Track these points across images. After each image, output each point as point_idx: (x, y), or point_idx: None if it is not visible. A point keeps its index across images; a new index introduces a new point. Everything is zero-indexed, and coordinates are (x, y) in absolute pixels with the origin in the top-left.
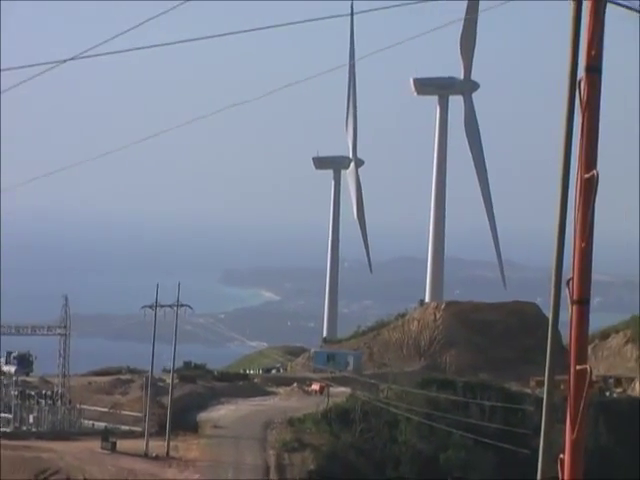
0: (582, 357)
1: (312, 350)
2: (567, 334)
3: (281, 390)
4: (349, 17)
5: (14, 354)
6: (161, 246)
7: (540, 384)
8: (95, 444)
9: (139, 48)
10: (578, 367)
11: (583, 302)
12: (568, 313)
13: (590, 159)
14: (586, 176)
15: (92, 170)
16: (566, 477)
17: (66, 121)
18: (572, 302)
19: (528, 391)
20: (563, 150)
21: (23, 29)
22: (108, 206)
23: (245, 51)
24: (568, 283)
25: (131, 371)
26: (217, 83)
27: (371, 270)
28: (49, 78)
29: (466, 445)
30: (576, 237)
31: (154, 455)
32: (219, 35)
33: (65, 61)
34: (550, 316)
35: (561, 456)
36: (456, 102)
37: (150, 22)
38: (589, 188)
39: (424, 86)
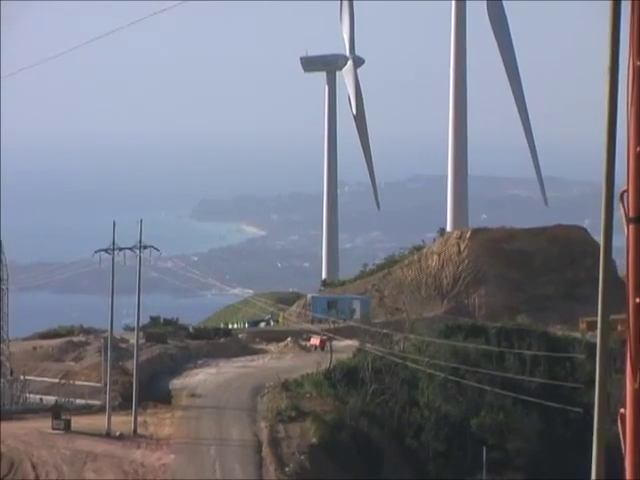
0: None
1: (309, 296)
2: (624, 263)
3: (272, 347)
4: None
5: None
6: (119, 175)
7: (591, 326)
8: (44, 423)
9: None
10: (638, 300)
11: None
12: (624, 236)
13: None
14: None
15: (33, 80)
16: (628, 435)
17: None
18: (628, 221)
19: (577, 335)
20: (610, 34)
21: None
22: (54, 124)
23: None
24: (622, 197)
25: (85, 331)
26: None
27: (377, 195)
28: None
29: (503, 405)
30: (629, 140)
31: (118, 434)
32: None
33: None
34: (602, 241)
35: (621, 411)
36: None
37: None
38: None
39: None
